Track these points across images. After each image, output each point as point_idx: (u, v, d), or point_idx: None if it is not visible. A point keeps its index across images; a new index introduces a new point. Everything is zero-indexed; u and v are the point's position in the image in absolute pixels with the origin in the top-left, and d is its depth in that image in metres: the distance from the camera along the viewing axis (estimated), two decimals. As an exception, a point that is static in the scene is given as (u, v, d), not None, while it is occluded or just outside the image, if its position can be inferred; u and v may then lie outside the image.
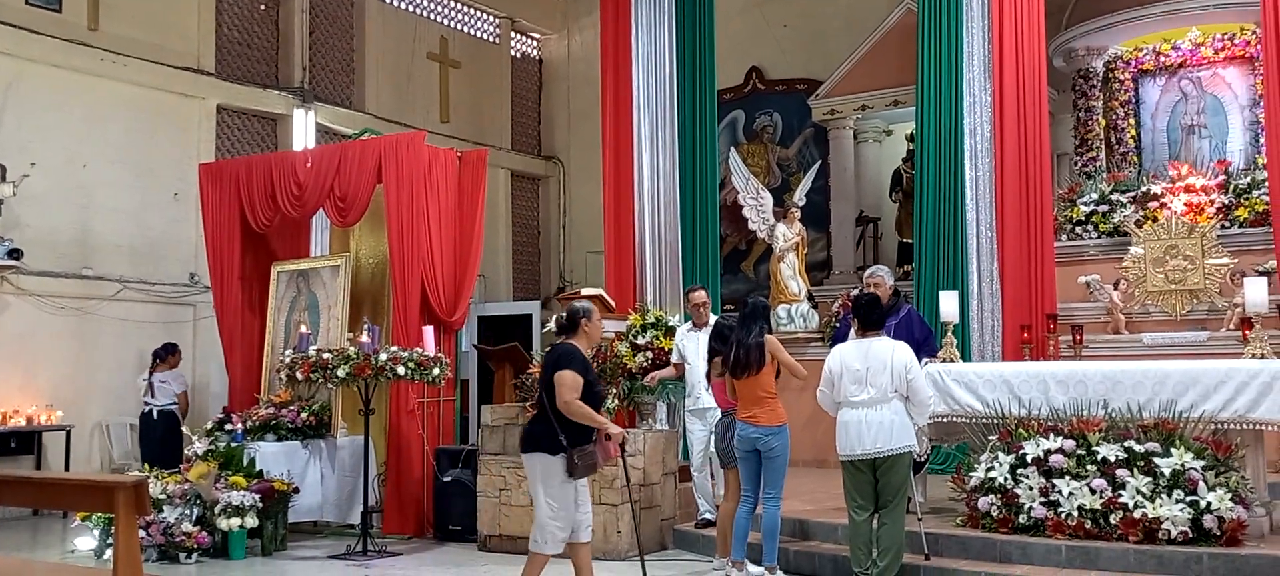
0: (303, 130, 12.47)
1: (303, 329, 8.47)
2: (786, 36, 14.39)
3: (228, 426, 8.37)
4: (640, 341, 9.97)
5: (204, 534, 7.45)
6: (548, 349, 5.74)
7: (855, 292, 11.02)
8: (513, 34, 16.04)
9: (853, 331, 6.41)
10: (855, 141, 13.41)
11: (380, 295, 9.35)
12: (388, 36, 14.04)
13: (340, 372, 7.47)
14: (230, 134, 12.40)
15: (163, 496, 7.44)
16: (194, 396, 10.74)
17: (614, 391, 8.24)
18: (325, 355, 7.61)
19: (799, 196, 11.87)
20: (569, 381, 5.27)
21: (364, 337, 7.67)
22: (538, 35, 16.51)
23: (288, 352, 8.23)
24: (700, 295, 7.87)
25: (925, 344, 7.38)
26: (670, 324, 10.20)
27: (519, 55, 16.21)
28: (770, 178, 14.44)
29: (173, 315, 11.46)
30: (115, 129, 11.28)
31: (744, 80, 14.86)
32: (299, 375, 7.66)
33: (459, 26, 15.29)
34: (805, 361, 8.35)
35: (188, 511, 7.48)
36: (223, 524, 7.48)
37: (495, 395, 9.72)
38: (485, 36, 15.67)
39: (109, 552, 6.91)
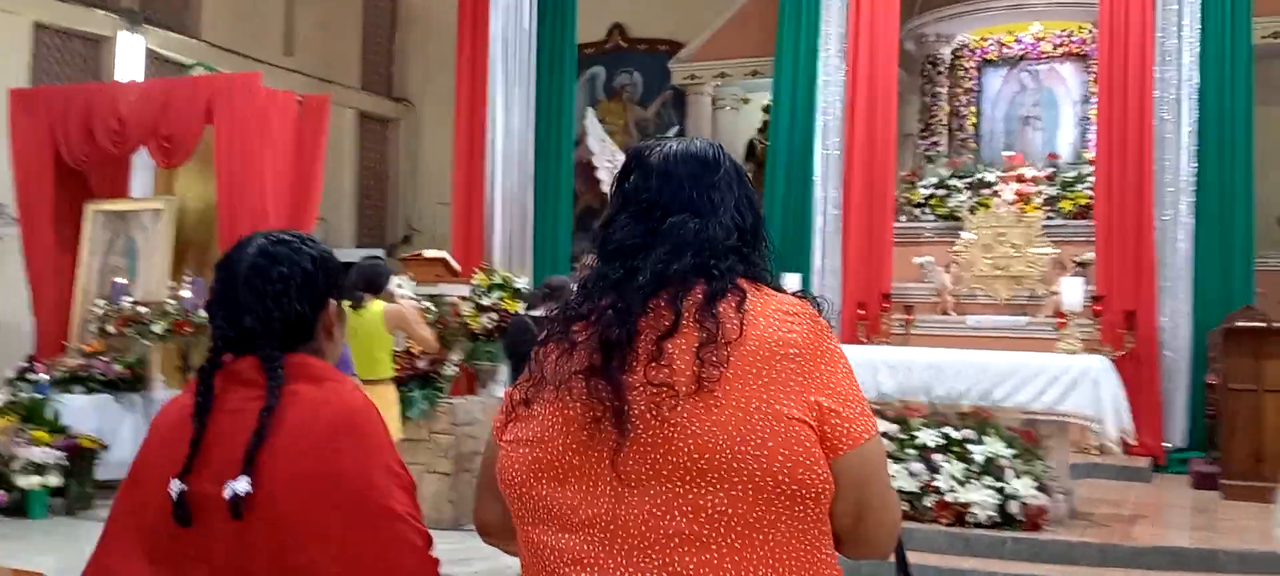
0: (131, 56, 11.64)
1: (117, 278, 7.97)
2: (651, -6, 14.29)
3: (32, 376, 7.81)
4: (485, 302, 9.83)
5: (0, 491, 6.97)
6: (546, 319, 5.64)
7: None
8: (367, -33, 15.40)
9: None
10: (713, 108, 13.49)
11: (207, 243, 8.87)
12: (229, -40, 13.26)
13: (157, 328, 7.07)
14: (49, 56, 11.48)
15: (-46, 450, 6.93)
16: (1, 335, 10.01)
17: (454, 354, 8.09)
18: (141, 309, 7.18)
19: (653, 161, 11.85)
20: None
21: (185, 292, 7.26)
22: (393, -30, 15.90)
23: (100, 302, 7.73)
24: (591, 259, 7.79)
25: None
26: (517, 285, 10.08)
27: (372, -10, 15.57)
28: (628, 138, 14.36)
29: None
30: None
31: (606, 36, 14.68)
32: (112, 328, 7.21)
33: (309, -45, 14.55)
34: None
35: (-18, 466, 6.98)
36: (22, 482, 7.02)
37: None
38: (337, -33, 14.98)
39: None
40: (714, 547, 1.32)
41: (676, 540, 1.33)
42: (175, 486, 1.64)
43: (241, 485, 1.61)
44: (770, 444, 1.33)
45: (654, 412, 1.36)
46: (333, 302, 1.86)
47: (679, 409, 1.35)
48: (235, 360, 1.76)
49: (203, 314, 7.20)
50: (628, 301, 1.41)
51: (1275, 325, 7.86)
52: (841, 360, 1.43)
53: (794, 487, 1.33)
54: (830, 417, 1.36)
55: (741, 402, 1.34)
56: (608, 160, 11.66)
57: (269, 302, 1.76)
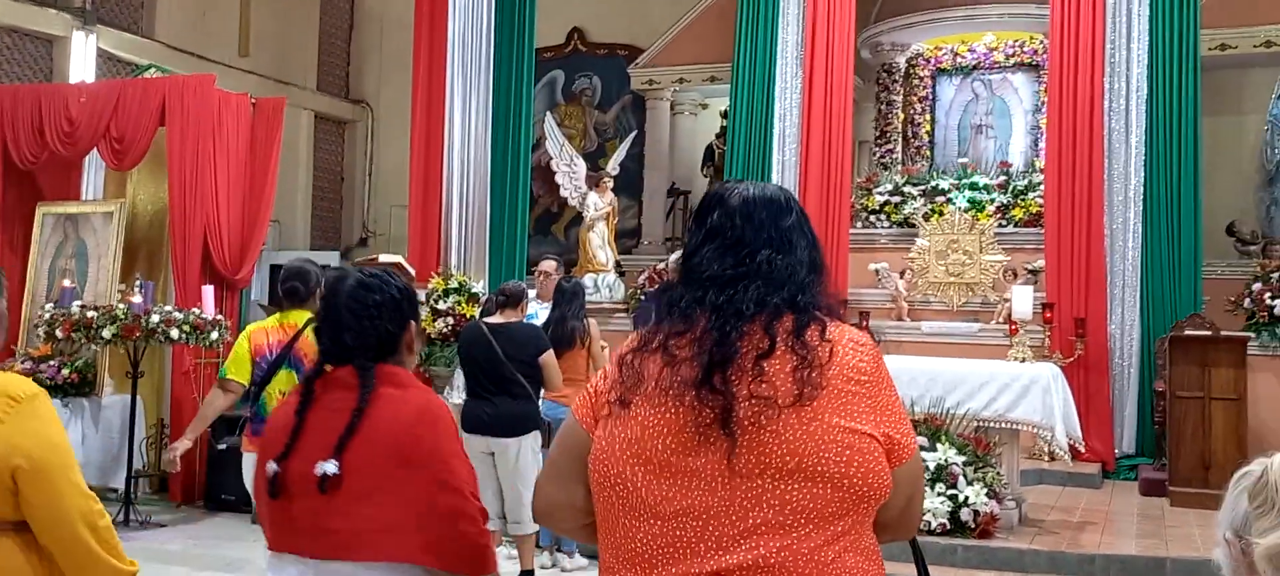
0: (83, 56, 11.44)
1: (66, 282, 7.80)
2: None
3: (-24, 381, 7.63)
4: (441, 306, 9.80)
5: (-57, 499, 6.81)
6: (501, 326, 5.72)
7: (660, 265, 11.19)
8: (324, -33, 15.24)
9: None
10: (672, 113, 13.54)
11: (158, 245, 8.74)
12: (183, -42, 13.06)
13: (106, 333, 6.94)
14: (-2, 54, 11.26)
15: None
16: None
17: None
18: (90, 313, 7.06)
19: (613, 166, 11.88)
20: (557, 364, 5.73)
21: (135, 297, 7.15)
22: (352, -29, 15.75)
23: (48, 306, 7.58)
24: (547, 265, 7.83)
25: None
26: (473, 289, 10.05)
27: (330, -10, 15.40)
28: (586, 141, 14.37)
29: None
30: None
31: (565, 40, 14.66)
32: (60, 333, 7.08)
33: (266, -45, 14.38)
34: (608, 333, 8.38)
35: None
36: (-35, 489, 6.86)
37: (284, 355, 9.30)
38: (294, -32, 14.81)
39: None
40: (793, 534, 1.58)
41: (763, 528, 1.58)
42: (271, 466, 2.09)
43: (330, 466, 2.04)
44: (848, 453, 1.60)
45: (753, 420, 1.60)
46: (413, 323, 2.27)
47: (777, 419, 1.60)
48: (335, 369, 2.19)
49: (154, 318, 7.11)
50: (730, 325, 1.66)
51: (1222, 333, 8.03)
52: (893, 384, 1.71)
53: (865, 490, 1.61)
54: (894, 436, 1.66)
55: (827, 418, 1.61)
56: (566, 164, 11.66)
57: (366, 323, 2.18)
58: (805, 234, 1.79)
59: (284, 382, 4.36)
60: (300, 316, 4.60)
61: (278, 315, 4.72)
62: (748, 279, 1.70)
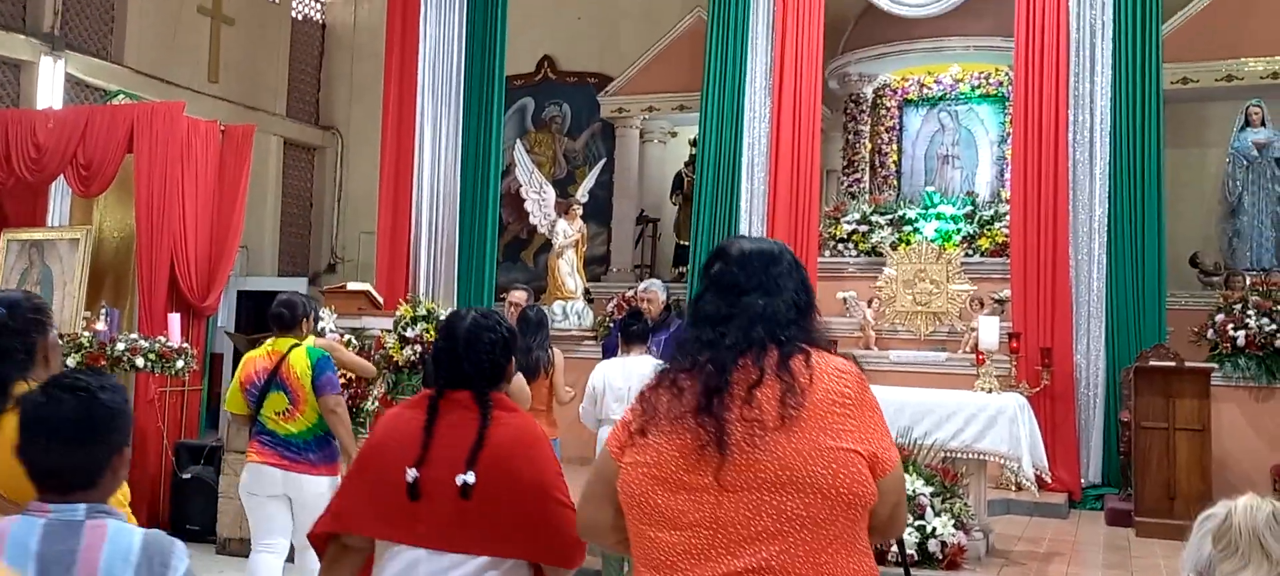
0: (51, 81, 11.33)
1: (28, 310, 7.70)
2: (581, 28, 14.34)
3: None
4: (409, 333, 9.75)
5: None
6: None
7: (629, 292, 11.20)
8: (296, -7, 15.21)
9: (620, 346, 6.47)
10: (641, 141, 13.57)
11: (124, 272, 8.64)
12: (153, -17, 12.97)
13: (70, 362, 6.85)
14: (-37, 79, 11.13)
15: None
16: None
17: (375, 389, 7.98)
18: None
19: (582, 194, 11.89)
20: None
21: (100, 325, 7.07)
22: (323, -2, 15.73)
23: (10, 334, 7.48)
24: (517, 295, 7.79)
25: (690, 359, 7.53)
26: (442, 317, 10.00)
27: (301, 17, 15.37)
28: (556, 168, 14.39)
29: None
30: None
31: (536, 68, 14.70)
32: (21, 361, 6.97)
33: (236, -20, 14.32)
34: (577, 360, 8.38)
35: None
36: (-78, 521, 6.72)
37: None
38: (265, -7, 14.77)
39: None
40: (791, 538, 1.82)
41: (764, 535, 1.82)
42: (411, 473, 2.42)
43: (470, 477, 2.41)
44: (833, 467, 1.84)
45: (748, 441, 1.86)
46: (515, 358, 2.69)
47: (766, 438, 1.85)
48: (453, 392, 2.54)
49: (120, 346, 7.03)
50: (722, 359, 1.93)
51: (1186, 364, 8.11)
52: (877, 405, 1.98)
53: (850, 498, 1.85)
54: (878, 452, 1.91)
55: (813, 436, 1.86)
56: (536, 192, 11.67)
57: (484, 356, 2.57)
58: (794, 278, 2.04)
59: (276, 404, 4.92)
60: (285, 343, 5.01)
61: (269, 342, 5.08)
62: (738, 316, 1.96)
